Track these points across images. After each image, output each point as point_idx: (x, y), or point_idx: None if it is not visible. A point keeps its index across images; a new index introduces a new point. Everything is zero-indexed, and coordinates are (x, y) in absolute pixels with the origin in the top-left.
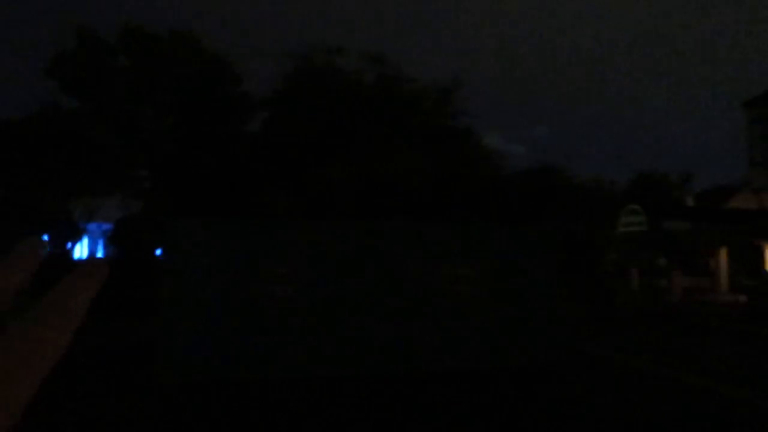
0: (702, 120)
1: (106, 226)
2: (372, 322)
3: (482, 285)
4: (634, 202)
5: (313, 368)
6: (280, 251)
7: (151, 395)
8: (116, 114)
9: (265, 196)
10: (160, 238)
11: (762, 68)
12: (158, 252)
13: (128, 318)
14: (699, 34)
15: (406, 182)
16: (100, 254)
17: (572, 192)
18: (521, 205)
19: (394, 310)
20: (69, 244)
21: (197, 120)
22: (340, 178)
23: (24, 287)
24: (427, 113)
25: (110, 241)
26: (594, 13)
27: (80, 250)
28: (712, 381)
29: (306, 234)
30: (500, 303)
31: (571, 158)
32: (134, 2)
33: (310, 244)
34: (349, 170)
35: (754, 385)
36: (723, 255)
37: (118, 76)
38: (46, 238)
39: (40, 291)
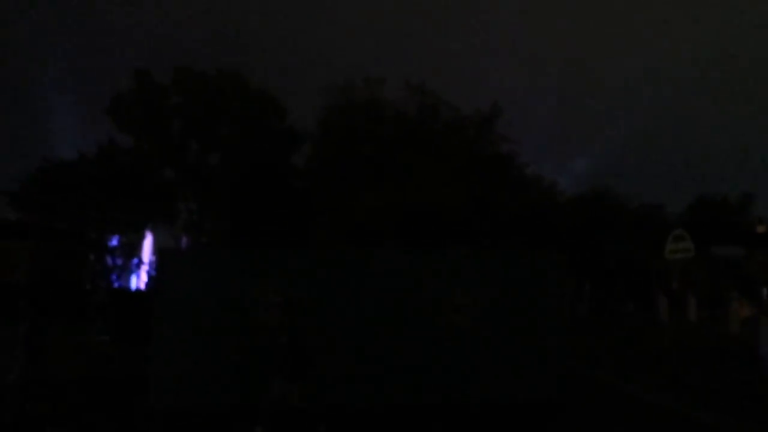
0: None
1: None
2: (364, 352)
3: (483, 314)
4: (684, 227)
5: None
6: (272, 280)
7: (142, 422)
8: (169, 150)
9: (311, 225)
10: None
11: None
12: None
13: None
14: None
15: (449, 210)
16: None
17: (624, 219)
18: (572, 231)
19: (389, 341)
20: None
21: (245, 154)
22: (384, 207)
23: None
24: (468, 141)
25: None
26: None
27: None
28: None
29: (298, 262)
30: (501, 333)
31: (620, 186)
32: (185, 42)
33: (302, 273)
34: (392, 199)
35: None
36: None
37: (170, 114)
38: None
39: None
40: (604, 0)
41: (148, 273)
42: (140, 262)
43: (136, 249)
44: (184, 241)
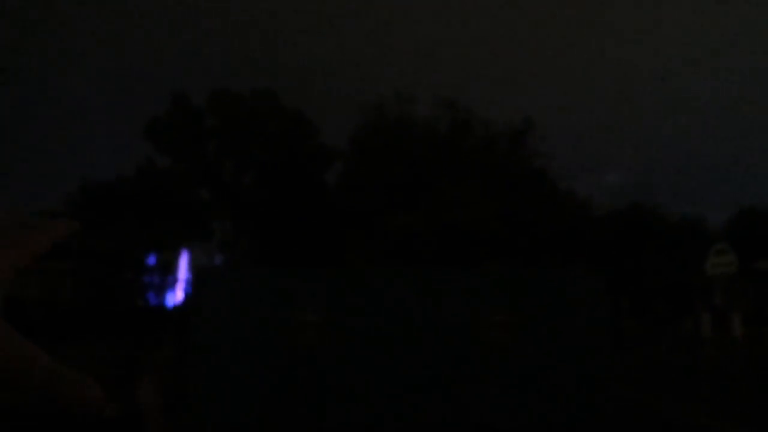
0: None
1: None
2: (399, 371)
3: (521, 332)
4: (728, 240)
5: (338, 424)
6: (311, 300)
7: None
8: (204, 170)
9: (343, 243)
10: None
11: None
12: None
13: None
14: None
15: (483, 226)
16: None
17: (664, 233)
18: (610, 246)
19: (424, 359)
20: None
21: (279, 172)
22: (417, 224)
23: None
24: (501, 156)
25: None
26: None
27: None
28: None
29: (336, 282)
30: (539, 352)
31: (656, 199)
32: (222, 63)
33: (340, 292)
34: (425, 216)
35: None
36: None
37: (206, 135)
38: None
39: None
40: (632, 14)
41: (184, 291)
42: (176, 280)
43: (172, 267)
44: (218, 259)
